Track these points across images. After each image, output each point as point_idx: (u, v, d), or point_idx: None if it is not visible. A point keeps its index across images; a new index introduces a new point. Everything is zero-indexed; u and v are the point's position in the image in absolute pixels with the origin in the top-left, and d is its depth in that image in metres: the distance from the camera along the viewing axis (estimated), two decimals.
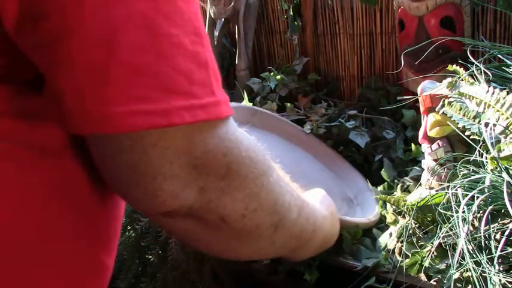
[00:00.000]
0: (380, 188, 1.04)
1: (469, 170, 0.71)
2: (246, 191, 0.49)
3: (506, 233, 0.60)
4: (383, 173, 1.07)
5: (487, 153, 0.69)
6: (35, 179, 0.46)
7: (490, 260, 0.59)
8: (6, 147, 0.44)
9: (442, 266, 0.70)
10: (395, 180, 1.04)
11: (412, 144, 1.06)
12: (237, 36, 1.55)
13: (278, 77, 1.45)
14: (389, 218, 0.86)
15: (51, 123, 0.45)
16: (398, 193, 0.98)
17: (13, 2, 0.39)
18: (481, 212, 0.64)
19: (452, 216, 0.66)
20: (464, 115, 0.75)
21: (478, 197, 0.63)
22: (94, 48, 0.39)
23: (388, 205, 0.88)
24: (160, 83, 0.40)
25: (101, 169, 0.47)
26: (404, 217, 0.83)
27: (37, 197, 0.46)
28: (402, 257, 0.78)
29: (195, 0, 0.44)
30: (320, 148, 1.21)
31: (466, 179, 0.69)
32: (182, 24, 0.42)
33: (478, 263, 0.60)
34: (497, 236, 0.62)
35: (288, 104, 1.37)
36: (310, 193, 0.71)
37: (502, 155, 0.67)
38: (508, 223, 0.62)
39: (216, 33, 1.57)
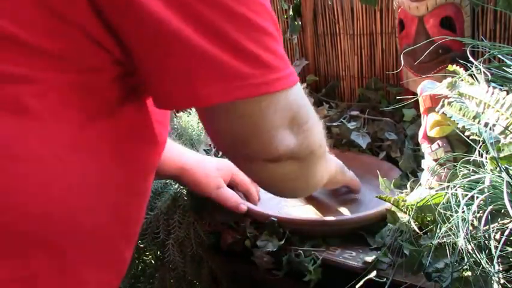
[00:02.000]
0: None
1: (469, 170, 0.71)
2: (316, 127, 0.68)
3: (506, 233, 0.60)
4: (401, 164, 1.08)
5: (486, 153, 0.69)
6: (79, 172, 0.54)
7: (490, 260, 0.59)
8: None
9: (442, 266, 0.70)
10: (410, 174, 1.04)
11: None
12: None
13: None
14: (390, 216, 0.86)
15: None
16: (408, 188, 0.97)
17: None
18: (480, 212, 0.63)
19: (452, 216, 0.66)
20: (464, 115, 0.75)
21: (477, 197, 0.63)
22: (203, 39, 0.51)
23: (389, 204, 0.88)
24: (260, 61, 0.55)
25: (222, 135, 0.63)
26: (404, 213, 0.83)
27: (89, 182, 0.54)
28: (402, 257, 0.78)
29: (265, 4, 0.57)
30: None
31: (466, 179, 0.68)
32: (269, 18, 0.56)
33: (477, 263, 0.60)
34: (497, 236, 0.62)
35: None
36: None
37: (501, 155, 0.66)
38: (507, 223, 0.62)
39: None
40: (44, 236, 0.51)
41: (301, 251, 0.91)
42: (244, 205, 0.99)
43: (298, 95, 0.62)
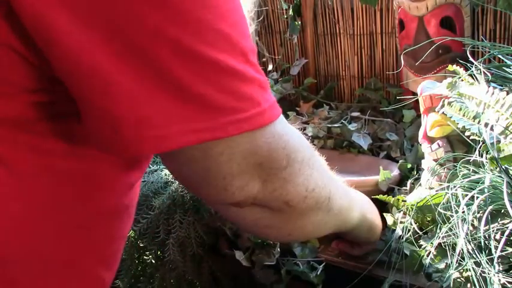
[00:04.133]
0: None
1: (469, 170, 0.71)
2: (304, 174, 0.56)
3: (506, 233, 0.60)
4: (406, 158, 1.08)
5: (486, 153, 0.69)
6: (41, 192, 0.48)
7: (490, 260, 0.59)
8: (10, 160, 0.46)
9: (442, 266, 0.70)
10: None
11: (419, 146, 1.05)
12: None
13: (275, 88, 1.45)
14: (389, 220, 0.85)
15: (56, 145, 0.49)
16: (408, 186, 0.97)
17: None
18: (480, 212, 0.63)
19: (452, 216, 0.66)
20: (464, 115, 0.75)
21: (477, 197, 0.63)
22: (146, 79, 0.43)
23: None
24: (208, 104, 0.46)
25: (176, 175, 0.57)
26: (404, 215, 0.83)
27: (37, 208, 0.48)
28: (402, 257, 0.78)
29: (241, 22, 0.48)
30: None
31: (466, 179, 0.68)
32: (229, 49, 0.46)
33: (477, 263, 0.60)
34: (497, 236, 0.62)
35: (290, 113, 1.36)
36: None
37: (501, 155, 0.66)
38: (507, 223, 0.62)
39: None
40: None
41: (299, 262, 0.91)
42: None
43: (273, 137, 0.52)
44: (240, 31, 0.48)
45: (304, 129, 1.28)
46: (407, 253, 0.77)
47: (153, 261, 1.09)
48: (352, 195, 0.73)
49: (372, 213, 0.79)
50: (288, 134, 0.54)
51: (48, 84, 0.46)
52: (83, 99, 0.45)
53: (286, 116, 1.36)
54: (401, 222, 0.83)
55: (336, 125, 1.25)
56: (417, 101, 0.92)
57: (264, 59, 1.58)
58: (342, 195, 0.67)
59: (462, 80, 0.82)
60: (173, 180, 1.01)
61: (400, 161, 1.05)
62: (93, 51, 0.41)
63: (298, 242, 0.91)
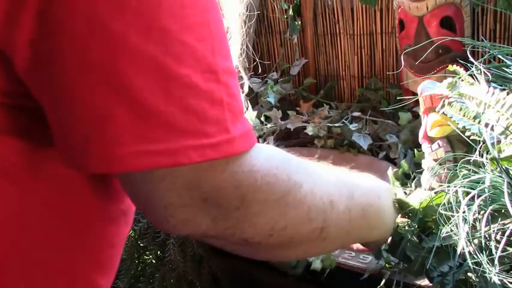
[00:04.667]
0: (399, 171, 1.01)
1: (469, 170, 0.71)
2: (269, 214, 0.49)
3: (507, 233, 0.60)
4: (403, 163, 1.08)
5: (487, 153, 0.69)
6: (33, 199, 0.47)
7: (490, 261, 0.59)
8: (5, 167, 0.45)
9: (444, 268, 0.70)
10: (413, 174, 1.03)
11: (415, 150, 1.05)
12: None
13: (275, 89, 1.45)
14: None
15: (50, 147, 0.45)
16: (412, 186, 0.97)
17: (25, 49, 0.39)
18: (481, 212, 0.63)
19: (452, 216, 0.66)
20: (464, 115, 0.75)
21: (478, 197, 0.63)
22: (101, 92, 0.39)
23: None
24: (168, 123, 0.41)
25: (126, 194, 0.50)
26: (405, 216, 0.83)
27: (33, 216, 0.47)
28: (403, 257, 0.78)
29: (212, 36, 0.43)
30: None
31: (466, 179, 0.68)
32: (194, 64, 0.41)
33: (478, 264, 0.60)
34: (498, 237, 0.62)
35: (290, 112, 1.36)
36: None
37: (502, 155, 0.66)
38: (508, 223, 0.62)
39: None
40: None
41: None
42: None
43: (222, 172, 0.45)
44: (209, 47, 0.43)
45: (305, 128, 1.28)
46: (409, 255, 0.77)
47: (154, 261, 1.09)
48: (375, 211, 0.64)
49: (391, 214, 0.71)
50: (250, 173, 0.47)
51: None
52: (46, 107, 0.42)
53: (287, 116, 1.37)
54: (401, 226, 0.83)
55: (336, 125, 1.25)
56: (417, 101, 0.92)
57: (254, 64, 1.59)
58: (355, 217, 0.59)
59: (462, 80, 0.81)
60: None
61: (394, 170, 1.04)
62: (57, 56, 0.39)
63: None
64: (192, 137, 0.42)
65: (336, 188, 0.57)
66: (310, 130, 1.26)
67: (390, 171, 0.95)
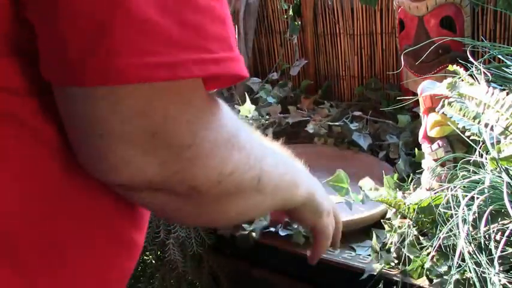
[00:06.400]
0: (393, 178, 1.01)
1: (469, 170, 0.71)
2: (218, 156, 0.45)
3: (506, 233, 0.60)
4: (398, 165, 1.08)
5: (487, 153, 0.69)
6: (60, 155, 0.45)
7: (490, 261, 0.59)
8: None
9: (444, 268, 0.70)
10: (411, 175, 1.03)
11: (416, 149, 1.05)
12: (237, 36, 1.55)
13: (272, 93, 1.45)
14: (387, 226, 0.85)
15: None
16: (411, 189, 0.97)
17: None
18: (481, 212, 0.63)
19: (452, 217, 0.66)
20: (464, 115, 0.75)
21: (477, 198, 0.63)
22: (99, 4, 0.37)
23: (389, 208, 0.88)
24: (166, 37, 0.39)
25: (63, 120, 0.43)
26: (405, 218, 0.83)
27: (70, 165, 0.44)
28: (402, 258, 0.78)
29: None
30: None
31: (466, 180, 0.68)
32: None
33: (478, 264, 0.60)
34: (497, 237, 0.62)
35: (291, 107, 1.37)
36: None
37: (501, 155, 0.66)
38: (507, 223, 0.62)
39: None
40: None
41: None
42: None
43: (180, 103, 0.42)
44: None
45: (305, 126, 1.28)
46: (409, 255, 0.77)
47: (153, 261, 1.10)
48: (297, 172, 0.63)
49: (322, 196, 0.68)
50: (203, 108, 0.44)
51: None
52: (45, 24, 0.39)
53: (287, 111, 1.36)
54: (399, 226, 0.83)
55: (337, 123, 1.25)
56: (417, 101, 0.92)
57: None
58: (281, 172, 0.58)
59: (462, 80, 0.82)
60: None
61: (389, 175, 1.04)
62: None
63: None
64: (192, 51, 0.40)
65: (263, 146, 0.57)
66: (310, 128, 1.26)
67: (385, 176, 0.95)
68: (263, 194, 0.54)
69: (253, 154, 0.51)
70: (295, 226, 0.92)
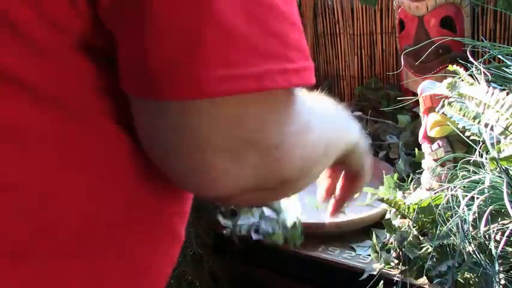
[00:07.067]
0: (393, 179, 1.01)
1: (469, 170, 0.71)
2: (300, 144, 0.46)
3: (506, 233, 0.60)
4: (398, 165, 1.08)
5: (487, 153, 0.69)
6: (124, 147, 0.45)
7: (490, 261, 0.59)
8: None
9: (444, 268, 0.70)
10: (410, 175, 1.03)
11: (416, 149, 1.05)
12: None
13: None
14: (387, 227, 0.85)
15: None
16: (411, 189, 0.97)
17: None
18: (481, 212, 0.63)
19: (452, 217, 0.66)
20: (464, 115, 0.75)
21: (477, 198, 0.63)
22: (184, 8, 0.37)
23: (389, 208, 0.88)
24: (253, 46, 0.38)
25: (144, 139, 0.44)
26: (405, 218, 0.83)
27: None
28: (402, 258, 0.78)
29: None
30: None
31: (466, 180, 0.68)
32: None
33: (478, 264, 0.60)
34: (497, 237, 0.62)
35: None
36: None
37: (501, 155, 0.66)
38: (507, 223, 0.62)
39: None
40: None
41: None
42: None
43: (264, 106, 0.42)
44: None
45: None
46: (409, 255, 0.77)
47: None
48: (346, 125, 0.63)
49: (362, 139, 0.67)
50: (272, 108, 0.44)
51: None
52: (128, 35, 0.39)
53: None
54: (399, 227, 0.83)
55: None
56: (417, 101, 0.92)
57: None
58: (338, 131, 0.60)
59: (462, 80, 0.82)
60: None
61: (389, 175, 1.04)
62: None
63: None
64: (276, 61, 0.39)
65: (323, 114, 0.56)
66: None
67: (385, 176, 0.95)
68: (327, 157, 0.56)
69: (321, 127, 0.52)
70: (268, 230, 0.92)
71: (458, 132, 0.75)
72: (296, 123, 0.45)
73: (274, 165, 0.44)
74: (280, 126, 0.43)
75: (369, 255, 0.86)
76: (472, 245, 0.61)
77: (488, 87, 0.76)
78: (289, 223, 0.91)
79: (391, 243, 0.83)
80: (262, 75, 0.39)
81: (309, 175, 0.52)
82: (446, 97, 0.80)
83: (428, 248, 0.74)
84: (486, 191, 0.63)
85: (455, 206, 0.66)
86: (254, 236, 0.92)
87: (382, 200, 0.85)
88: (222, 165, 0.41)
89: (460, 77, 0.82)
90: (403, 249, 0.78)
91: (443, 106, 0.80)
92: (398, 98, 1.20)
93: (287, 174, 0.46)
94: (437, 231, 0.69)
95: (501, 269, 0.59)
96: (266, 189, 0.47)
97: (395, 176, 0.99)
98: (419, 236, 0.78)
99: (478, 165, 0.71)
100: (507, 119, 0.70)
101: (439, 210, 0.69)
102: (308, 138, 0.48)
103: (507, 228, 0.61)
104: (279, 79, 0.39)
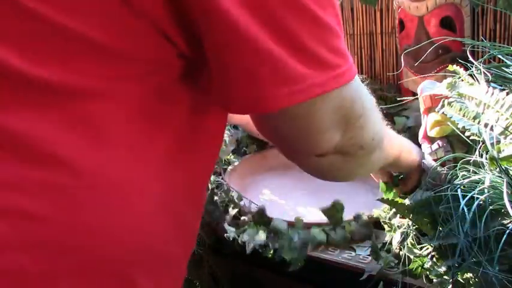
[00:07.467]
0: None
1: (469, 170, 0.71)
2: (371, 119, 0.63)
3: (506, 233, 0.60)
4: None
5: (486, 153, 0.69)
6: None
7: (490, 261, 0.59)
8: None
9: (444, 268, 0.70)
10: None
11: None
12: None
13: None
14: (386, 227, 0.85)
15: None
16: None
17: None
18: (481, 212, 0.63)
19: (452, 217, 0.66)
20: (464, 115, 0.75)
21: (477, 198, 0.63)
22: (265, 37, 0.47)
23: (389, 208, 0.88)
24: (320, 61, 0.51)
25: (268, 135, 0.64)
26: (404, 218, 0.83)
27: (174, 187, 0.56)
28: (402, 258, 0.78)
29: None
30: None
31: (466, 180, 0.68)
32: (326, 4, 0.51)
33: (478, 264, 0.60)
34: (497, 237, 0.62)
35: None
36: None
37: (501, 155, 0.66)
38: (507, 223, 0.62)
39: None
40: (117, 263, 0.50)
41: None
42: None
43: (353, 89, 0.57)
44: None
45: None
46: (409, 255, 0.77)
47: None
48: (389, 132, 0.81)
49: (412, 148, 0.88)
50: (358, 88, 0.59)
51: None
52: (222, 60, 0.49)
53: None
54: (399, 226, 0.83)
55: None
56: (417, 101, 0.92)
57: None
58: (386, 133, 0.73)
59: (462, 80, 0.82)
60: None
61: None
62: (247, 23, 0.46)
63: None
64: (332, 69, 0.52)
65: None
66: None
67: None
68: (382, 150, 0.71)
69: (379, 118, 0.68)
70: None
71: (458, 132, 0.75)
72: (369, 99, 0.63)
73: (357, 131, 0.60)
74: (361, 102, 0.59)
75: (369, 255, 0.86)
76: (472, 245, 0.61)
77: (488, 87, 0.76)
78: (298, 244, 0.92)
79: (391, 243, 0.83)
80: (324, 83, 0.52)
81: (375, 153, 0.67)
82: (446, 97, 0.80)
83: (428, 248, 0.74)
84: (486, 191, 0.63)
85: (455, 206, 0.66)
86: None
87: (382, 200, 0.85)
88: (328, 137, 0.58)
89: (460, 77, 0.82)
90: (403, 249, 0.78)
91: (443, 106, 0.80)
92: (398, 98, 1.20)
93: (364, 141, 0.62)
94: (437, 231, 0.69)
95: (501, 269, 0.59)
96: (346, 155, 0.62)
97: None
98: (420, 236, 0.78)
99: (478, 165, 0.71)
100: (507, 119, 0.70)
101: (439, 210, 0.69)
102: (376, 116, 0.65)
103: (507, 228, 0.61)
104: (332, 83, 0.52)
